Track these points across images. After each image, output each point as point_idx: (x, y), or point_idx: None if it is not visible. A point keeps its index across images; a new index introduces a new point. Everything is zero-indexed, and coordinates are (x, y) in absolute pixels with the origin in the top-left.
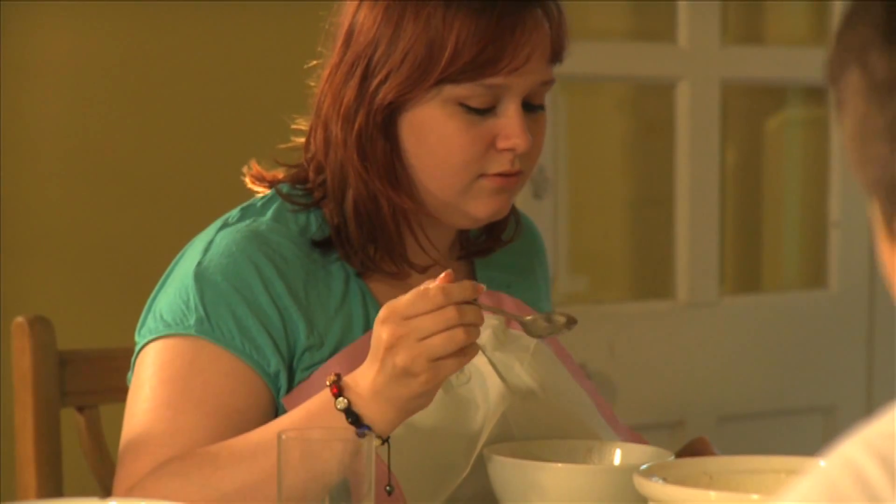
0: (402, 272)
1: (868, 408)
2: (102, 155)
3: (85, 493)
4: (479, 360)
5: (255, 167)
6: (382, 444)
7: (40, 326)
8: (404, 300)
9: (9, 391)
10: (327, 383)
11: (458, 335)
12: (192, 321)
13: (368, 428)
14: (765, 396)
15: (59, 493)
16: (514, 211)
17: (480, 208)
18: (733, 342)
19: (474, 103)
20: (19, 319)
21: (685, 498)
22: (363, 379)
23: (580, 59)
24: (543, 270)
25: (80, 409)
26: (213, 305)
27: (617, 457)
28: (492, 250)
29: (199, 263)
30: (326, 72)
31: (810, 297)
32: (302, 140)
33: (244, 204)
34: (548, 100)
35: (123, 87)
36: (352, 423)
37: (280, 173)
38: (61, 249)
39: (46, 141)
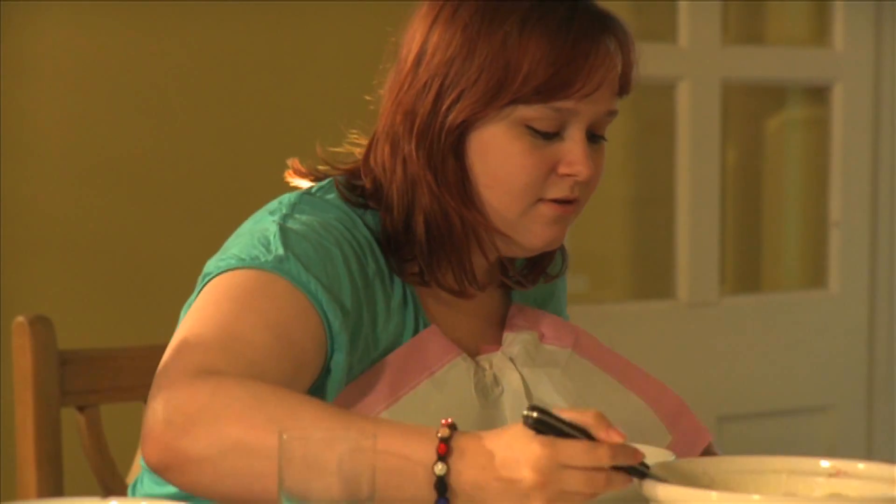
0: (464, 290)
1: (868, 408)
2: (102, 155)
3: (85, 492)
4: (512, 375)
5: (297, 163)
6: None
7: (40, 326)
8: (571, 450)
9: (9, 391)
10: (439, 435)
11: (596, 492)
12: (269, 258)
13: (446, 500)
14: (765, 396)
15: (59, 493)
16: (563, 248)
17: (537, 234)
18: (733, 342)
19: (541, 126)
20: (19, 319)
21: (685, 498)
22: (475, 469)
23: None
24: (563, 279)
25: (80, 409)
26: (293, 251)
27: None
28: (535, 283)
29: (284, 219)
30: (395, 90)
31: (810, 297)
32: (353, 149)
33: (297, 193)
34: None
35: (123, 86)
36: (437, 488)
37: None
38: (61, 249)
39: (46, 141)
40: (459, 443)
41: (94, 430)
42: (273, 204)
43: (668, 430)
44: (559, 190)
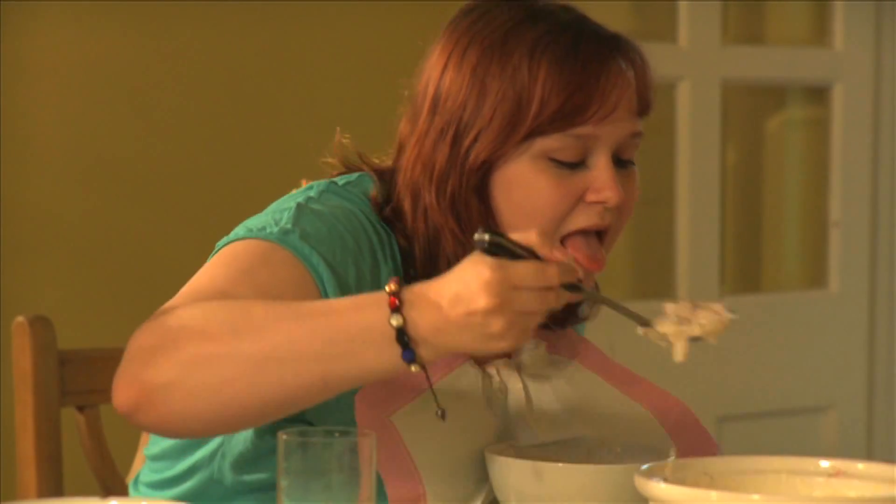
0: (497, 355)
1: (868, 408)
2: (102, 155)
3: (85, 493)
4: (516, 384)
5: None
6: (439, 414)
7: (40, 326)
8: (521, 271)
9: (9, 391)
10: (386, 290)
11: (547, 311)
12: (275, 230)
13: (412, 352)
14: (765, 396)
15: (59, 493)
16: (597, 288)
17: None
18: (733, 342)
19: (564, 156)
20: (19, 319)
21: (685, 498)
22: (430, 312)
23: None
24: None
25: (80, 409)
26: (303, 229)
27: (617, 457)
28: (566, 322)
29: (307, 200)
30: (413, 141)
31: (810, 297)
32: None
33: (327, 181)
34: None
35: (123, 86)
36: (399, 341)
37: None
38: (61, 249)
39: (46, 141)
40: (409, 293)
41: (94, 430)
42: (304, 187)
43: (672, 441)
44: (587, 218)
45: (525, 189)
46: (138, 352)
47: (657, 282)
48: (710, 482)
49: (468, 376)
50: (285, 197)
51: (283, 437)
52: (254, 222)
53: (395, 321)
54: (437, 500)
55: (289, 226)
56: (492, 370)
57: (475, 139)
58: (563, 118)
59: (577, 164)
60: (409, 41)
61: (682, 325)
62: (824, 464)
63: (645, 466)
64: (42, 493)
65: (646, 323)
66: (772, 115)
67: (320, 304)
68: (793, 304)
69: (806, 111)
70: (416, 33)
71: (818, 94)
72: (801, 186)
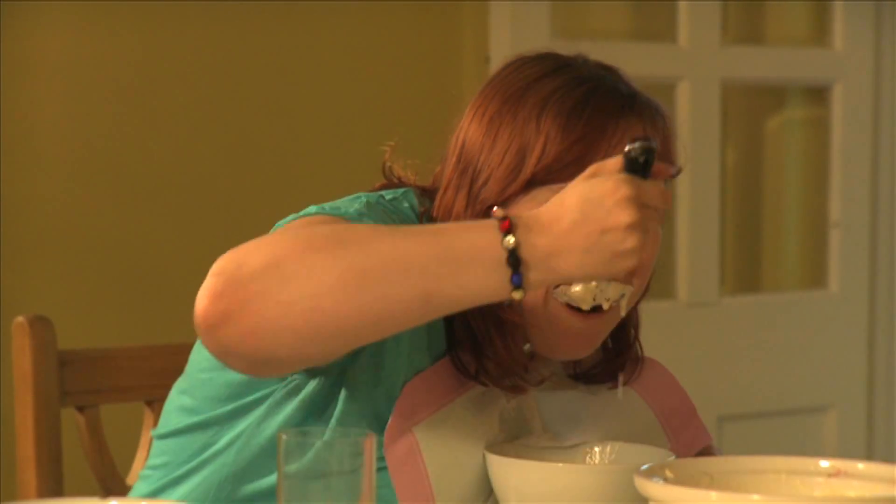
0: (516, 386)
1: (868, 408)
2: (102, 155)
3: (85, 493)
4: (530, 401)
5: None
6: (512, 302)
7: (40, 326)
8: (651, 189)
9: (9, 391)
10: (496, 215)
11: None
12: (351, 210)
13: (520, 276)
14: (765, 396)
15: (59, 493)
16: (640, 351)
17: (560, 339)
18: (733, 342)
19: None
20: (19, 319)
21: (685, 498)
22: (547, 234)
23: None
24: None
25: (80, 409)
26: (373, 216)
27: (617, 457)
28: (595, 380)
29: (368, 200)
30: (443, 187)
31: (810, 297)
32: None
33: (374, 192)
34: None
35: (123, 86)
36: (509, 263)
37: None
38: (61, 249)
39: (46, 141)
40: (522, 217)
41: (94, 430)
42: (351, 197)
43: (663, 430)
44: None
45: None
46: (227, 263)
47: (657, 282)
48: (710, 482)
49: (488, 395)
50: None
51: (282, 437)
52: (322, 205)
53: (509, 244)
54: None
55: (365, 210)
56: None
57: (485, 182)
58: (561, 169)
59: None
60: (410, 41)
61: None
62: (824, 464)
63: (645, 466)
64: (42, 493)
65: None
66: (771, 115)
67: (429, 226)
68: (793, 304)
69: (806, 111)
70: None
71: (818, 94)
72: (801, 186)
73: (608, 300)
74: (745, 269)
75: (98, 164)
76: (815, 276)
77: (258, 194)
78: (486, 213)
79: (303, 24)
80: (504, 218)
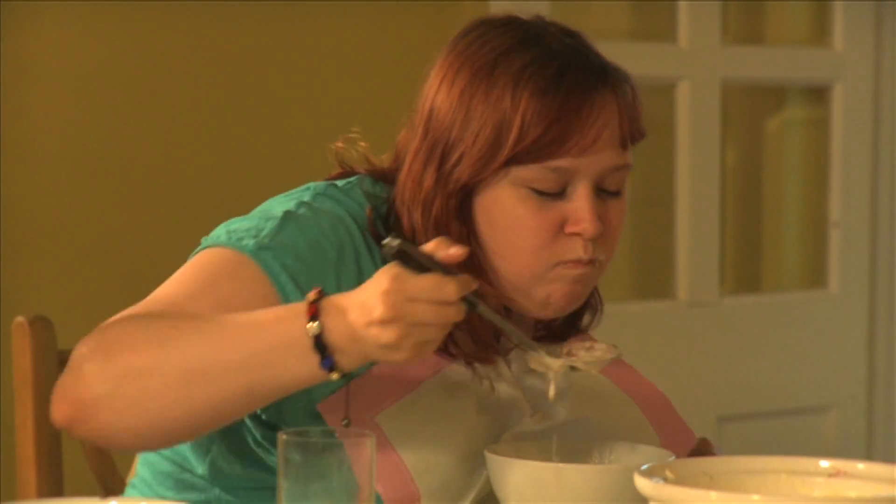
0: (485, 357)
1: (868, 408)
2: (102, 154)
3: (85, 492)
4: (505, 372)
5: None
6: (343, 377)
7: (40, 326)
8: (419, 283)
9: (9, 391)
10: (308, 300)
11: (448, 326)
12: (251, 244)
13: (331, 360)
14: (765, 396)
15: (59, 493)
16: (599, 300)
17: (552, 296)
18: (733, 342)
19: (542, 186)
20: (19, 319)
21: (685, 498)
22: (341, 320)
23: None
24: None
25: None
26: (281, 244)
27: (617, 457)
28: (567, 335)
29: (297, 206)
30: (409, 157)
31: (810, 297)
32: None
33: (326, 182)
34: None
35: (123, 86)
36: (316, 349)
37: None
38: (61, 249)
39: (46, 141)
40: (327, 302)
41: None
42: (302, 187)
43: (654, 431)
44: (572, 251)
45: (505, 216)
46: (71, 367)
47: (657, 282)
48: (710, 482)
49: (457, 375)
50: (281, 196)
51: (282, 437)
52: (237, 225)
53: (313, 329)
54: (431, 499)
55: (266, 241)
56: (481, 371)
57: (458, 161)
58: (540, 149)
59: (558, 194)
60: (410, 41)
61: (562, 357)
62: (824, 464)
63: (645, 466)
64: (42, 493)
65: (533, 348)
66: (772, 115)
67: (246, 317)
68: (793, 304)
69: (806, 111)
70: (416, 33)
71: (818, 94)
72: (800, 186)
73: (582, 359)
74: (745, 269)
75: (98, 164)
76: (815, 276)
77: (258, 194)
78: (458, 192)
79: (302, 24)
80: (314, 301)
